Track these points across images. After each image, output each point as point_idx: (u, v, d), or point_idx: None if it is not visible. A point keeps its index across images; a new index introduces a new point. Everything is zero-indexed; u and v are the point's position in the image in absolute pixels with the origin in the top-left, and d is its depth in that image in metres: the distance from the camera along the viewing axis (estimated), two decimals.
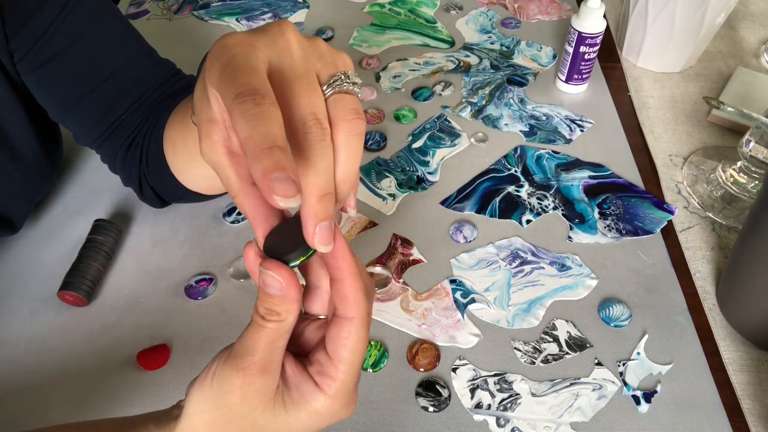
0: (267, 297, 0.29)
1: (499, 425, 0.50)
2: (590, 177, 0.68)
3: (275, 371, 0.31)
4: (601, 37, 0.73)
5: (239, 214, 0.66)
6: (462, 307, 0.57)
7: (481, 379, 0.52)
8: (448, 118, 0.76)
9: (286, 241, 0.29)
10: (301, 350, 0.34)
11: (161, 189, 0.61)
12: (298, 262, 0.29)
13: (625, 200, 0.66)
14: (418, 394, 0.52)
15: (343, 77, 0.29)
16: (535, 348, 0.54)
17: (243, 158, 0.31)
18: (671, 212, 0.64)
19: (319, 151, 0.27)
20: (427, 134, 0.74)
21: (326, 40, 0.88)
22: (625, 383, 0.52)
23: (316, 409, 0.31)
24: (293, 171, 0.25)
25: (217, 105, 0.30)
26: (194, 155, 0.52)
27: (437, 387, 0.52)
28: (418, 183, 0.68)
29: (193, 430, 0.31)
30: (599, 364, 0.53)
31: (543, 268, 0.60)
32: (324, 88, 0.29)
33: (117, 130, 0.58)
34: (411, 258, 0.61)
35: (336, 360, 0.31)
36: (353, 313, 0.31)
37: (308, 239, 0.27)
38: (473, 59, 0.84)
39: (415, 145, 0.72)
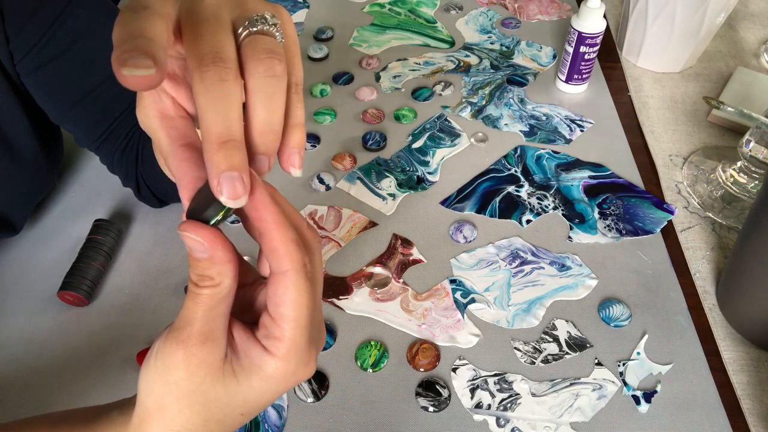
0: (195, 262, 0.27)
1: (499, 425, 0.50)
2: (590, 177, 0.68)
3: (219, 339, 0.29)
4: (601, 37, 0.73)
5: None
6: (462, 307, 0.57)
7: (481, 379, 0.52)
8: (448, 118, 0.76)
9: (206, 201, 0.27)
10: (256, 317, 0.32)
11: (157, 188, 0.61)
12: (215, 220, 0.27)
13: (625, 200, 0.66)
14: (418, 394, 0.52)
15: (257, 18, 0.26)
16: (535, 348, 0.54)
17: (175, 120, 0.29)
18: (671, 212, 0.64)
19: (217, 94, 0.24)
20: (427, 134, 0.74)
21: (326, 40, 0.88)
22: (625, 383, 0.52)
23: (268, 373, 0.29)
24: (243, 167, 0.24)
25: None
26: None
27: (437, 387, 0.52)
28: (418, 183, 0.68)
29: (147, 414, 0.30)
30: (599, 364, 0.53)
31: (543, 268, 0.60)
32: (239, 31, 0.26)
33: (114, 132, 0.58)
34: (411, 258, 0.61)
35: (279, 319, 0.29)
36: (286, 266, 0.28)
37: (213, 192, 0.25)
38: (473, 59, 0.84)
39: (415, 145, 0.72)
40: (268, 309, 0.29)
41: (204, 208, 0.26)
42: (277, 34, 0.27)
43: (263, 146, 0.26)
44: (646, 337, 0.55)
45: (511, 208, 0.65)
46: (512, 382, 0.52)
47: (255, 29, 0.26)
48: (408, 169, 0.70)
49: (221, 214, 0.27)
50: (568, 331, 0.55)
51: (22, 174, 0.58)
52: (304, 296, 0.28)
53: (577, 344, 0.54)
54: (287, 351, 0.29)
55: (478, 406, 0.51)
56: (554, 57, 0.84)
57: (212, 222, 0.27)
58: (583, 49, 0.74)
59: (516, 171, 0.69)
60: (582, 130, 0.74)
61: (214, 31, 0.25)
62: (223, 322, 0.29)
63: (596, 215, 0.64)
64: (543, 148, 0.72)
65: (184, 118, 0.29)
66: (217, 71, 0.24)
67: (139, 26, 0.23)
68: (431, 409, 0.51)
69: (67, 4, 0.52)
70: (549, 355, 0.54)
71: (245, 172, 0.25)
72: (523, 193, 0.67)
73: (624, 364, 0.53)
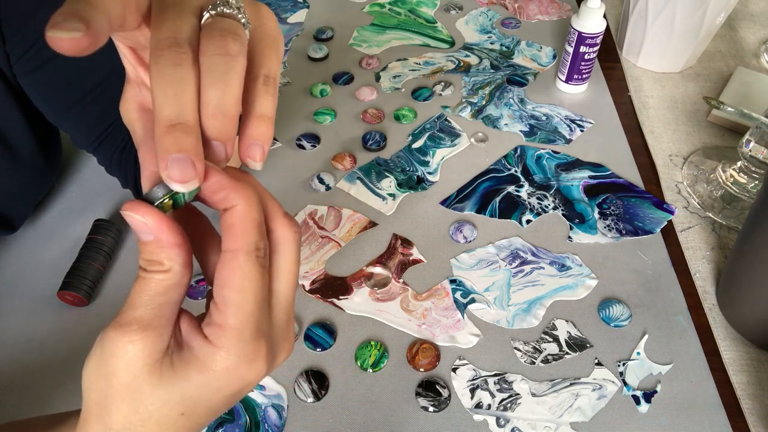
0: (143, 246, 0.26)
1: (499, 425, 0.50)
2: (590, 177, 0.68)
3: (162, 329, 0.26)
4: (601, 37, 0.73)
5: None
6: (462, 307, 0.57)
7: (481, 379, 0.52)
8: (448, 118, 0.76)
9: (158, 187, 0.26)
10: None
11: None
12: (159, 202, 0.25)
13: (625, 200, 0.66)
14: (418, 394, 0.52)
15: (219, 1, 0.26)
16: (535, 348, 0.54)
17: (152, 113, 0.28)
18: (671, 212, 0.64)
19: (170, 77, 0.24)
20: (427, 134, 0.74)
21: (326, 40, 0.88)
22: (625, 383, 0.52)
23: (206, 364, 0.27)
24: (195, 152, 0.23)
25: (126, 62, 0.29)
26: None
27: (437, 387, 0.52)
28: (418, 183, 0.68)
29: (89, 412, 0.27)
30: (599, 364, 0.53)
31: (543, 268, 0.60)
32: (203, 16, 0.26)
33: (113, 133, 0.58)
34: (411, 258, 0.61)
35: (221, 304, 0.26)
36: (236, 244, 0.26)
37: (162, 176, 0.24)
38: (473, 59, 0.84)
39: (415, 145, 0.72)
40: (213, 293, 0.27)
41: (154, 192, 0.26)
42: (242, 18, 0.26)
43: (215, 130, 0.25)
44: (646, 337, 0.55)
45: (511, 208, 0.65)
46: (512, 382, 0.52)
47: (215, 12, 0.25)
48: (408, 169, 0.70)
49: (167, 196, 0.25)
50: (568, 331, 0.55)
51: (20, 174, 0.58)
52: (251, 281, 0.26)
53: (577, 344, 0.54)
54: (227, 341, 0.26)
55: (478, 406, 0.51)
56: (554, 57, 0.84)
57: (157, 203, 0.25)
58: (583, 49, 0.74)
59: (516, 171, 0.69)
60: (582, 130, 0.74)
61: (176, 16, 0.25)
62: (170, 311, 0.27)
63: (596, 215, 0.64)
64: (543, 148, 0.72)
65: None
66: (172, 55, 0.24)
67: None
68: (431, 409, 0.51)
69: None
70: (549, 355, 0.54)
71: (196, 157, 0.24)
72: (523, 193, 0.67)
73: (624, 364, 0.53)
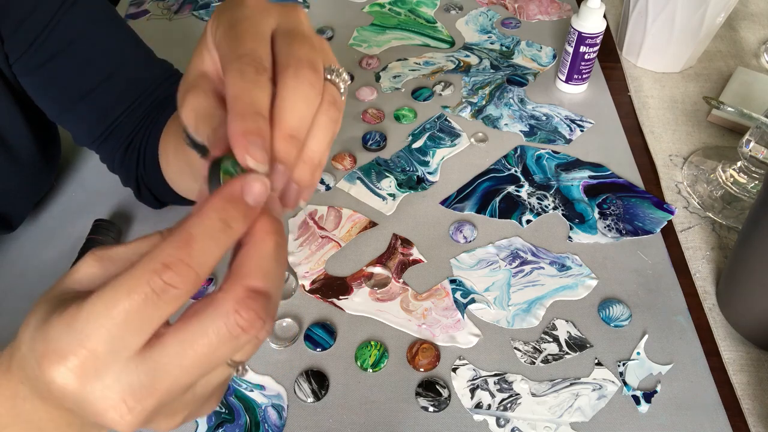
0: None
1: (499, 425, 0.50)
2: (590, 177, 0.68)
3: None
4: (601, 37, 0.73)
5: None
6: (462, 307, 0.57)
7: (481, 379, 0.52)
8: (448, 118, 0.76)
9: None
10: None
11: (158, 191, 0.61)
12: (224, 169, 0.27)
13: (625, 200, 0.66)
14: (418, 394, 0.52)
15: (334, 69, 0.30)
16: (535, 348, 0.54)
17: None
18: (671, 212, 0.64)
19: (303, 98, 0.28)
20: (427, 134, 0.74)
21: (326, 40, 0.88)
22: (625, 383, 0.52)
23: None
24: (293, 165, 0.28)
25: (210, 62, 0.30)
26: (185, 169, 0.51)
27: (437, 387, 0.52)
28: (418, 183, 0.68)
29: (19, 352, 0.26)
30: (599, 364, 0.53)
31: (543, 268, 0.60)
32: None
33: (115, 132, 0.58)
34: (411, 258, 0.61)
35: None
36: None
37: (270, 160, 0.27)
38: (473, 59, 0.84)
39: (415, 145, 0.72)
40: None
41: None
42: (343, 88, 0.31)
43: (308, 159, 0.30)
44: (646, 337, 0.55)
45: (511, 208, 0.65)
46: (512, 382, 0.52)
47: (330, 77, 0.30)
48: (408, 169, 0.70)
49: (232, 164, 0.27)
50: (568, 331, 0.55)
51: (19, 173, 0.58)
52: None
53: (577, 344, 0.54)
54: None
55: (478, 406, 0.51)
56: (554, 57, 0.84)
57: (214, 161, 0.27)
58: (583, 49, 0.74)
59: (516, 171, 0.69)
60: (582, 130, 0.74)
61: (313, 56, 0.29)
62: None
63: (596, 215, 0.64)
64: (543, 148, 0.72)
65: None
66: (314, 80, 0.28)
67: (263, 100, 0.27)
68: (431, 409, 0.51)
69: (62, 4, 0.52)
70: (549, 355, 0.54)
71: (291, 169, 0.28)
72: (523, 193, 0.67)
73: (624, 364, 0.53)
